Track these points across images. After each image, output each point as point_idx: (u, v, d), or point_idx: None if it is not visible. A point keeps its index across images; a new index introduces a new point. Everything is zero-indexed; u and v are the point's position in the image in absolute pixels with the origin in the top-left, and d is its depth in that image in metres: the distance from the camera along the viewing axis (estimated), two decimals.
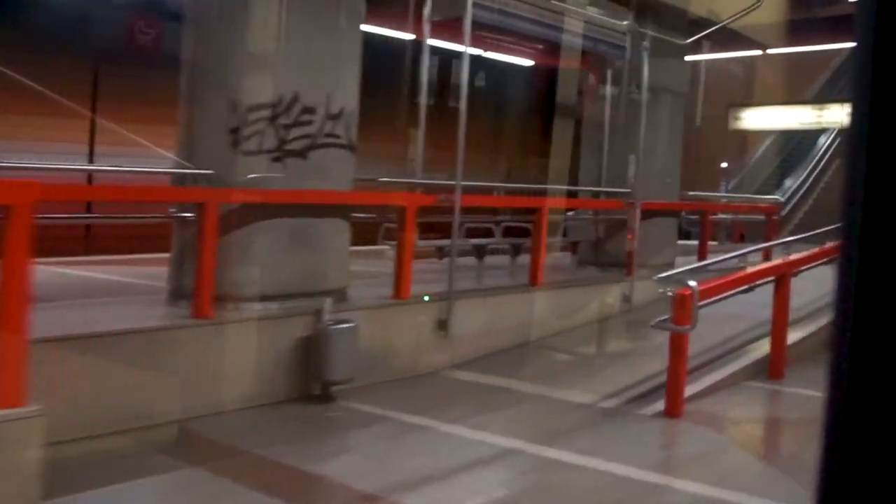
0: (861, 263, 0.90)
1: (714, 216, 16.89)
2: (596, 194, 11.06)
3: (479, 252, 9.36)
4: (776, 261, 7.86)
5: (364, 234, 9.79)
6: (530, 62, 17.62)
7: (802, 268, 8.47)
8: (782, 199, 13.88)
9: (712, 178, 23.22)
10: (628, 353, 8.80)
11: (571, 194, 11.04)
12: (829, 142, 23.93)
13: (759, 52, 14.44)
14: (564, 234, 11.46)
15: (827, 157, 23.79)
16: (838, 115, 18.53)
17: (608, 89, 11.06)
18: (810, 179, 23.05)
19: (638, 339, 8.90)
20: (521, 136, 18.87)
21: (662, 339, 9.11)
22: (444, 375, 8.00)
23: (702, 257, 11.85)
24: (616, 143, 11.15)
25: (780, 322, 7.82)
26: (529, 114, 18.37)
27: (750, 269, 7.69)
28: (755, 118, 19.93)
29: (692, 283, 6.32)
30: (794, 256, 8.14)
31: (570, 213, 11.25)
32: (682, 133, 11.92)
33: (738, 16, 19.05)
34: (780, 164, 24.66)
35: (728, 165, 20.34)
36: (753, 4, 17.49)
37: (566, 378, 7.76)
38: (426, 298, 8.42)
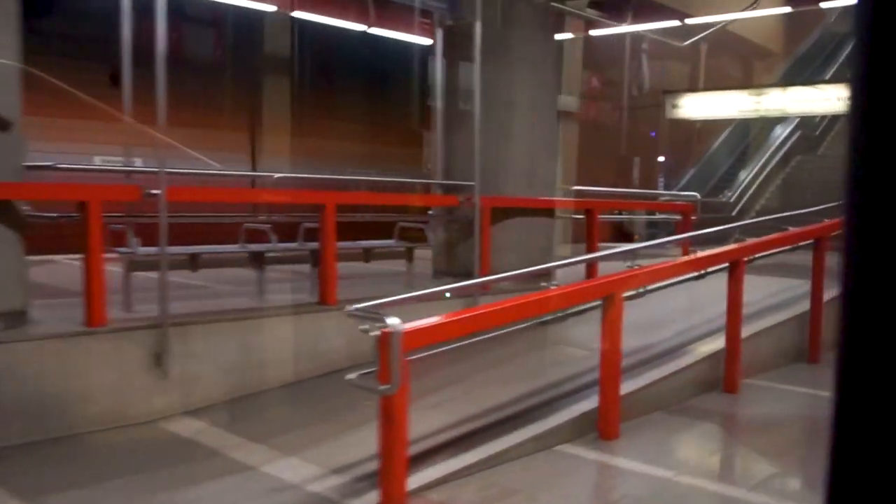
0: (864, 254, 0.86)
1: (659, 215, 14.92)
2: (440, 188, 8.80)
3: (257, 261, 7.10)
4: (599, 278, 5.62)
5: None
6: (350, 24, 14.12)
7: (651, 286, 6.25)
8: (699, 197, 11.58)
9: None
10: (417, 400, 6.54)
11: (392, 187, 8.80)
12: (787, 133, 21.62)
13: (677, 23, 12.23)
14: (424, 238, 9.21)
15: (785, 149, 21.49)
16: (779, 101, 16.23)
17: (438, 56, 8.79)
18: (764, 174, 20.75)
19: (444, 378, 6.68)
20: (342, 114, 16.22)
21: (485, 376, 6.94)
22: (157, 428, 5.82)
23: (590, 266, 9.60)
24: (461, 127, 8.90)
25: (609, 362, 5.60)
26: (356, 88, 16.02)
27: (539, 293, 5.37)
28: (692, 106, 17.63)
29: (392, 321, 4.08)
30: (630, 271, 5.88)
31: (432, 212, 9.02)
32: (556, 117, 9.66)
33: (736, 16, 17.01)
34: (739, 157, 22.27)
35: (665, 159, 18.05)
36: (751, 4, 15.58)
37: (305, 439, 5.53)
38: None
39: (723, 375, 7.13)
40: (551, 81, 9.60)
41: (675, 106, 17.58)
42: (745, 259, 7.31)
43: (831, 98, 15.24)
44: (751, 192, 20.14)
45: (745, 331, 7.80)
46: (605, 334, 5.56)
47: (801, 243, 8.49)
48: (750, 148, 21.98)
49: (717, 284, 7.73)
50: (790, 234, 8.22)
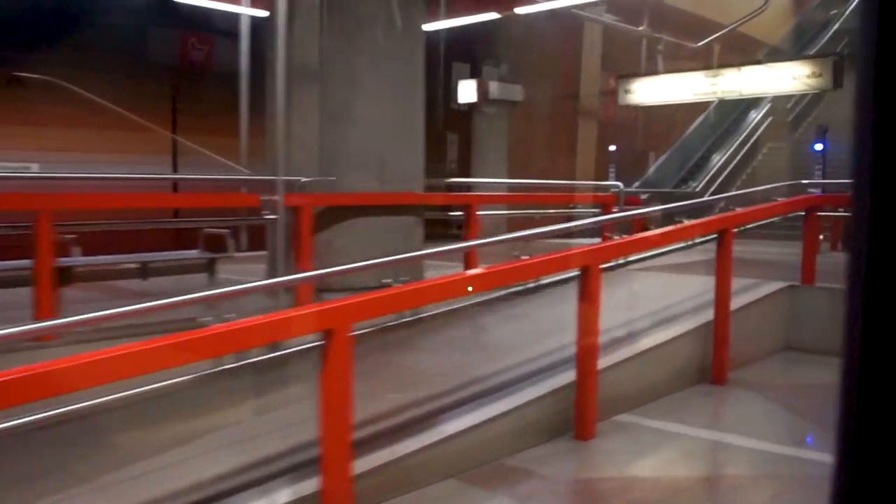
0: (871, 255, 0.80)
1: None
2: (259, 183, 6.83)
3: None
4: (305, 308, 3.64)
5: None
6: None
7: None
8: (622, 187, 9.50)
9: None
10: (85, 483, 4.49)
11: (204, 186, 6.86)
12: (758, 118, 19.34)
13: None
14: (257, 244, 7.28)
15: (758, 134, 19.19)
16: (734, 81, 14.03)
17: (244, 22, 6.80)
18: (734, 162, 18.49)
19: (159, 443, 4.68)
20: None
21: (226, 435, 4.96)
22: None
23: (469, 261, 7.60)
24: (296, 110, 6.96)
25: (332, 430, 3.61)
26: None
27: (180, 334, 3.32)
28: (645, 90, 15.45)
29: None
30: (360, 297, 3.86)
31: (268, 213, 7.02)
32: (421, 101, 7.65)
33: (744, 20, 15.23)
34: (710, 146, 19.93)
35: (616, 148, 15.88)
36: (760, 7, 13.96)
37: None
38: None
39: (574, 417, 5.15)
40: (417, 57, 7.59)
41: (627, 91, 15.41)
42: (604, 265, 5.29)
43: (786, 77, 13.08)
44: (719, 181, 17.89)
45: (626, 351, 5.85)
46: (324, 389, 3.58)
47: (697, 239, 6.44)
48: (722, 135, 19.72)
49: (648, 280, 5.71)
50: (680, 228, 6.17)
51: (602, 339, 6.15)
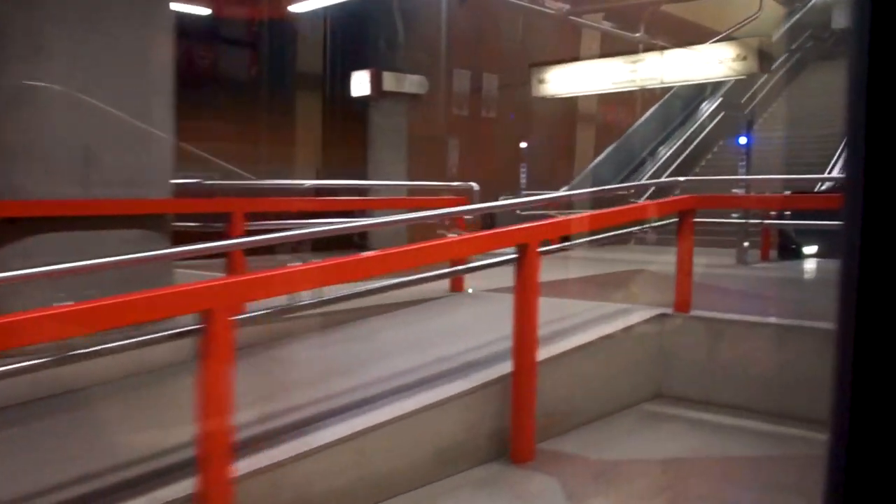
0: (864, 255, 0.76)
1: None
2: None
3: None
4: None
5: None
6: None
7: None
8: (476, 187, 7.42)
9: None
10: None
11: None
12: (709, 113, 17.19)
13: None
14: None
15: (710, 127, 17.01)
16: (657, 68, 11.89)
17: None
18: (679, 160, 16.30)
19: None
20: None
21: None
22: None
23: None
24: None
25: None
26: None
27: None
28: (561, 80, 13.28)
29: None
30: None
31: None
32: (165, 84, 5.63)
33: (738, 25, 13.60)
34: (658, 143, 17.72)
35: (527, 145, 13.72)
36: (754, 13, 12.55)
37: None
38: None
39: None
40: (153, 28, 5.56)
41: (541, 81, 13.28)
42: (235, 317, 3.22)
43: (711, 61, 11.03)
44: (667, 174, 15.69)
45: (344, 428, 3.83)
46: None
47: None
48: (671, 131, 17.54)
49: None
50: (437, 245, 4.12)
51: (337, 403, 4.18)
